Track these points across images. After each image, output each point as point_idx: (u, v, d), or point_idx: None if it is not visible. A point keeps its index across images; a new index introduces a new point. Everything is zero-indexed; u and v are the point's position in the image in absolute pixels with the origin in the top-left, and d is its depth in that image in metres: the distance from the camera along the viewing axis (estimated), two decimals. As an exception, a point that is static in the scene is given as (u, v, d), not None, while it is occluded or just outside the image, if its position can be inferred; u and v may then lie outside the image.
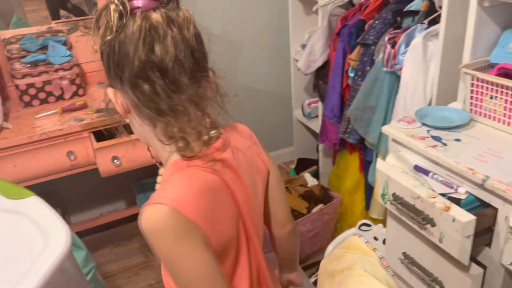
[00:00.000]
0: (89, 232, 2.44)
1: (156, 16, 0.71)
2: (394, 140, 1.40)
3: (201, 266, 0.74)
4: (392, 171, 1.30)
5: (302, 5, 2.48)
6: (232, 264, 0.83)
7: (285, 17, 2.57)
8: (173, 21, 0.72)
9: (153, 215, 0.72)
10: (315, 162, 2.71)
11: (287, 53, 2.63)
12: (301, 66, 2.22)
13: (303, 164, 2.78)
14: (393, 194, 1.30)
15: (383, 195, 1.36)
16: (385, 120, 1.82)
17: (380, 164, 1.35)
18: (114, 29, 0.72)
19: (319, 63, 2.19)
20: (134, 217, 1.55)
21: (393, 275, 0.93)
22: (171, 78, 0.72)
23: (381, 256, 0.96)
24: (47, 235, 1.16)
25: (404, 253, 1.41)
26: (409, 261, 1.39)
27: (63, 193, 2.47)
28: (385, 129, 1.41)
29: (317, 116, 2.56)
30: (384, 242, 1.98)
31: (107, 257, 2.34)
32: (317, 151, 2.82)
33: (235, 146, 0.85)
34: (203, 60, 0.77)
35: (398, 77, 1.73)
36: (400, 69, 1.66)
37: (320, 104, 2.37)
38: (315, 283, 1.98)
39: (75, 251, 1.49)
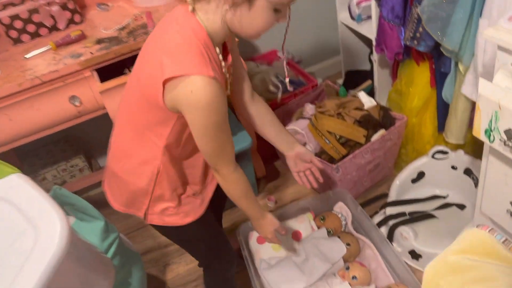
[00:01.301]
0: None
1: None
2: (503, 49, 0.96)
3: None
4: (506, 97, 0.89)
5: None
6: None
7: None
8: None
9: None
10: (368, 74, 2.26)
11: None
12: (349, -46, 1.71)
13: (354, 78, 2.34)
14: (508, 132, 0.90)
15: (487, 131, 0.96)
16: (471, 18, 1.35)
17: (486, 87, 0.93)
18: None
19: None
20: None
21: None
22: None
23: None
24: (36, 227, 0.88)
25: (513, 203, 1.05)
26: (520, 213, 1.03)
27: (85, 136, 2.20)
28: (489, 33, 0.96)
29: (369, 18, 2.07)
30: (466, 172, 1.61)
31: (141, 203, 2.12)
32: (370, 60, 2.35)
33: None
34: None
35: (493, -47, 1.23)
36: None
37: (373, 3, 1.87)
38: (380, 224, 1.67)
39: (90, 222, 1.23)
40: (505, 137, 0.91)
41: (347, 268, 1.47)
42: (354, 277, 1.45)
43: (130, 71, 1.56)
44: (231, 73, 1.09)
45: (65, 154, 2.11)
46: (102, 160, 2.32)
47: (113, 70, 1.56)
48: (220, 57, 0.99)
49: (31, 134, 1.52)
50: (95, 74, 1.49)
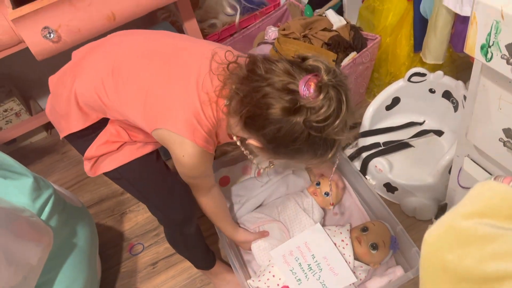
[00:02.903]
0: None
1: None
2: None
3: None
4: (511, 3, 0.71)
5: None
6: None
7: None
8: None
9: None
10: (336, -10, 2.03)
11: None
12: None
13: (320, -5, 2.10)
14: (510, 46, 0.74)
15: (484, 47, 0.79)
16: None
17: (485, -8, 0.75)
18: None
19: None
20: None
21: None
22: None
23: None
24: None
25: (507, 130, 0.91)
26: (514, 141, 0.90)
27: (18, 74, 1.93)
28: None
29: None
30: (445, 95, 1.47)
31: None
32: (337, -26, 2.11)
33: None
34: None
35: None
36: None
37: None
38: (352, 157, 1.54)
39: (16, 180, 1.03)
40: (507, 54, 0.74)
41: (318, 184, 1.35)
42: (326, 193, 1.32)
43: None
44: None
45: (-3, 98, 1.85)
46: (43, 101, 2.07)
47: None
48: (238, 143, 1.01)
49: None
50: (7, -2, 1.21)
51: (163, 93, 0.92)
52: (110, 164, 1.05)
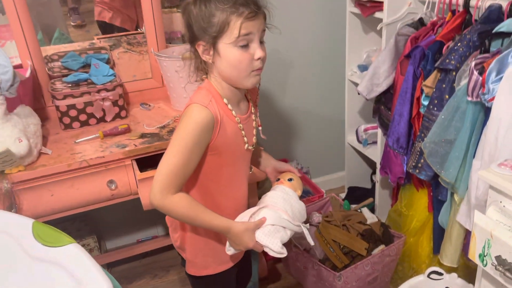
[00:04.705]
0: (125, 260, 2.28)
1: None
2: (494, 189, 1.17)
3: None
4: (497, 228, 1.07)
5: (361, 23, 2.27)
6: None
7: (341, 35, 2.37)
8: None
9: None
10: (369, 192, 2.48)
11: (341, 73, 2.43)
12: (362, 90, 2.01)
13: (355, 194, 2.55)
14: (498, 258, 1.07)
15: (481, 256, 1.12)
16: (465, 158, 1.58)
17: (480, 219, 1.12)
18: None
19: (383, 87, 1.97)
20: (172, 247, 1.40)
21: None
22: None
23: None
24: (87, 295, 0.99)
25: (503, 325, 1.17)
26: (510, 335, 1.15)
27: (98, 217, 2.33)
28: (483, 174, 1.17)
29: (374, 143, 2.33)
30: (459, 295, 1.72)
31: (143, 290, 2.18)
32: (371, 179, 2.59)
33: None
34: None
35: (484, 108, 1.50)
36: (491, 99, 1.43)
37: (379, 131, 2.14)
38: (376, 337, 1.74)
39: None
40: (496, 262, 1.06)
41: (277, 180, 1.35)
42: (290, 179, 1.34)
43: (165, 165, 1.75)
44: (253, 127, 1.23)
45: (79, 233, 2.21)
46: (110, 243, 2.42)
47: (147, 160, 1.75)
48: (229, 106, 1.12)
49: (65, 210, 1.66)
50: (134, 163, 1.68)
51: None
52: (204, 269, 1.29)
